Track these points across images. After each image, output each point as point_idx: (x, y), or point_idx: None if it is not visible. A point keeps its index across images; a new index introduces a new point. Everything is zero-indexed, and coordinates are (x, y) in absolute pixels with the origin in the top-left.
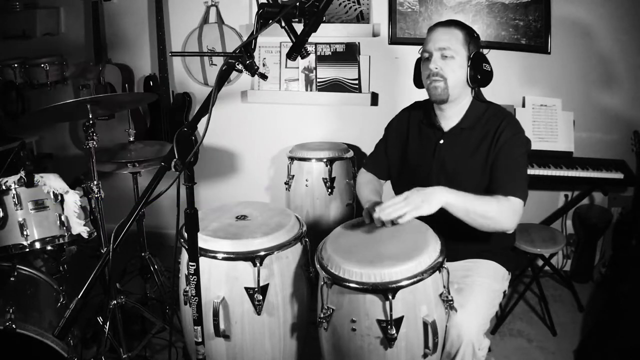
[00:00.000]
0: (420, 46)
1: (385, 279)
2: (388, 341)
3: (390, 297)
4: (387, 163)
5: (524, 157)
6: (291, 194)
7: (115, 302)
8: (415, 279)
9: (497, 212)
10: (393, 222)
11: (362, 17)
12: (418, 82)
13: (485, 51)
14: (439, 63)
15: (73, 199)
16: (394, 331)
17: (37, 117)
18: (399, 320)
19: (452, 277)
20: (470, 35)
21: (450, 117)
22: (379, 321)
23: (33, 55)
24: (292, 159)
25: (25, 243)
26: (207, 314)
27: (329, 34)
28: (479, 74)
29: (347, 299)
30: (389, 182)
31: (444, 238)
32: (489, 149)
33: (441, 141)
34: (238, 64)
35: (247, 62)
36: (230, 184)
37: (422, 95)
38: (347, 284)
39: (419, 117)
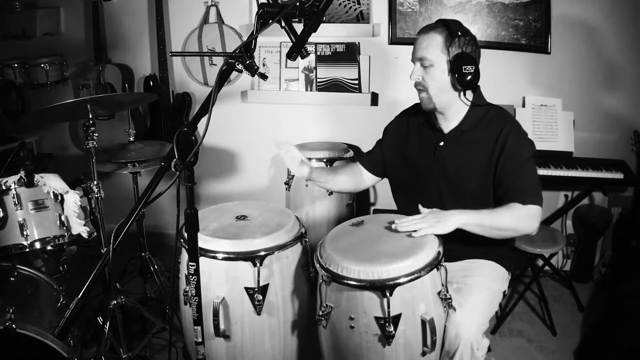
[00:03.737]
0: None
1: (383, 275)
2: (386, 339)
3: (388, 294)
4: (381, 161)
5: (532, 161)
6: (291, 194)
7: (115, 302)
8: (412, 276)
9: (513, 222)
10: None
11: (362, 17)
12: None
13: (474, 48)
14: (418, 73)
15: (73, 199)
16: (392, 328)
17: (37, 117)
18: (397, 317)
19: (452, 277)
20: (452, 36)
21: (450, 119)
22: (377, 318)
23: (33, 55)
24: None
25: (25, 243)
26: (207, 314)
27: (329, 34)
28: (462, 77)
29: (345, 296)
30: (387, 184)
31: (443, 238)
32: (492, 153)
33: (441, 143)
34: (238, 64)
35: (247, 62)
36: (230, 184)
37: None
38: (346, 281)
39: (419, 120)
